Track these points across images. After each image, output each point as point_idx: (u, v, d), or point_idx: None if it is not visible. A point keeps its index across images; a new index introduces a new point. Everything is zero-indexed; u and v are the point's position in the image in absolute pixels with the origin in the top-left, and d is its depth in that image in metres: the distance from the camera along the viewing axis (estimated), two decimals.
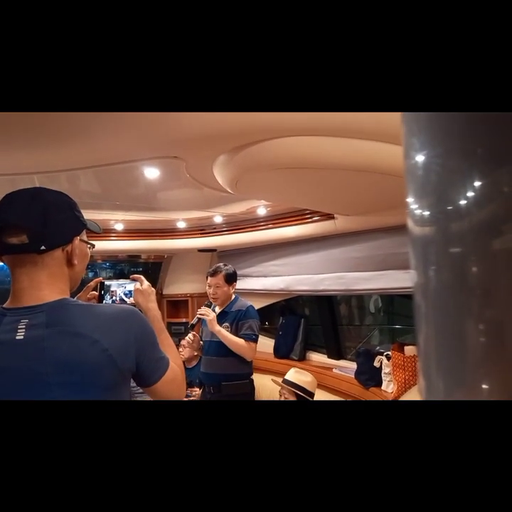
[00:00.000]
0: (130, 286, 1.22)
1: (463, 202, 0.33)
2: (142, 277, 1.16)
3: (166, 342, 1.01)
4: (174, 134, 1.22)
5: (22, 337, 0.77)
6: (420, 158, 0.37)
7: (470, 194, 0.33)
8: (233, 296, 2.59)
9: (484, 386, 0.31)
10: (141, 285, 1.14)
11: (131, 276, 1.18)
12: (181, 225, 3.11)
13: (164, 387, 0.91)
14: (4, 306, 0.83)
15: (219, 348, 2.43)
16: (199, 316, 2.40)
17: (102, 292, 1.19)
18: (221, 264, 2.58)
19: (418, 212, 0.37)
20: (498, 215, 0.31)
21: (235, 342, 2.38)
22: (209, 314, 2.38)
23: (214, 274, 2.49)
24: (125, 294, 1.24)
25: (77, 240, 0.88)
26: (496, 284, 0.31)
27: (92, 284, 1.15)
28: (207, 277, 2.55)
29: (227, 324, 2.46)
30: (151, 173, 1.68)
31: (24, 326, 0.78)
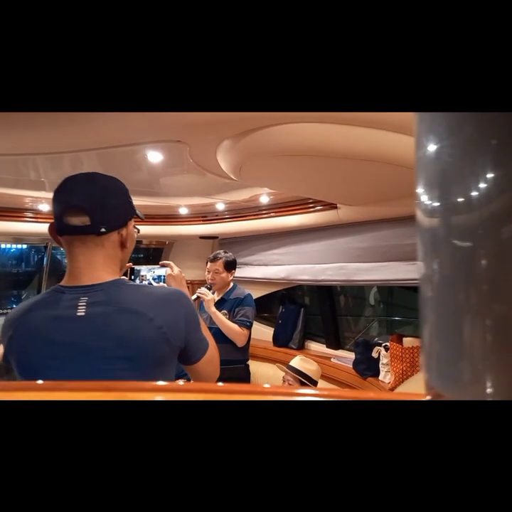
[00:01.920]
0: (158, 271, 1.27)
1: (475, 193, 0.33)
2: (172, 263, 1.22)
3: (202, 324, 1.06)
4: (178, 118, 1.20)
5: (83, 313, 0.81)
6: (432, 148, 0.36)
7: (482, 185, 0.32)
8: (231, 284, 2.62)
9: (490, 383, 0.31)
10: (173, 271, 1.20)
11: (160, 263, 1.24)
12: (183, 211, 3.10)
13: (204, 366, 0.98)
14: (61, 284, 0.87)
15: (216, 336, 2.47)
16: (198, 294, 2.43)
17: (132, 277, 1.22)
18: (222, 251, 2.62)
19: (428, 203, 0.36)
20: (510, 208, 0.30)
21: (229, 326, 2.42)
22: (207, 295, 2.41)
23: (214, 260, 2.54)
24: (154, 279, 1.27)
25: (131, 224, 0.93)
26: (506, 278, 0.30)
27: None
28: (207, 263, 2.60)
29: (225, 311, 2.49)
30: (155, 157, 1.66)
31: (84, 303, 0.82)
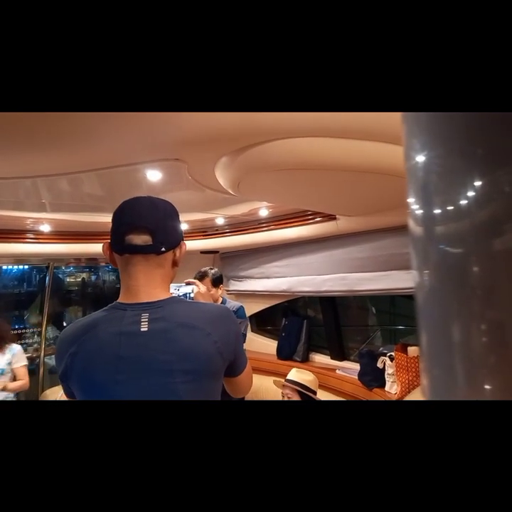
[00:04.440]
0: (183, 289, 1.31)
1: (464, 202, 0.33)
2: (197, 281, 1.30)
3: None
4: (176, 136, 1.22)
5: (146, 329, 0.85)
6: (421, 158, 0.37)
7: (471, 194, 0.33)
8: (221, 299, 2.66)
9: (487, 387, 0.31)
10: (200, 288, 1.26)
11: (185, 281, 1.29)
12: (183, 226, 3.11)
13: (243, 378, 1.03)
14: (120, 301, 0.91)
15: None
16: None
17: None
18: (207, 268, 2.65)
19: (419, 212, 0.37)
20: (499, 215, 0.31)
21: None
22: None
23: (201, 278, 2.57)
24: (178, 296, 1.30)
25: (183, 244, 0.99)
26: (497, 284, 0.30)
27: None
28: None
29: None
30: (153, 175, 1.68)
31: (146, 319, 0.86)
